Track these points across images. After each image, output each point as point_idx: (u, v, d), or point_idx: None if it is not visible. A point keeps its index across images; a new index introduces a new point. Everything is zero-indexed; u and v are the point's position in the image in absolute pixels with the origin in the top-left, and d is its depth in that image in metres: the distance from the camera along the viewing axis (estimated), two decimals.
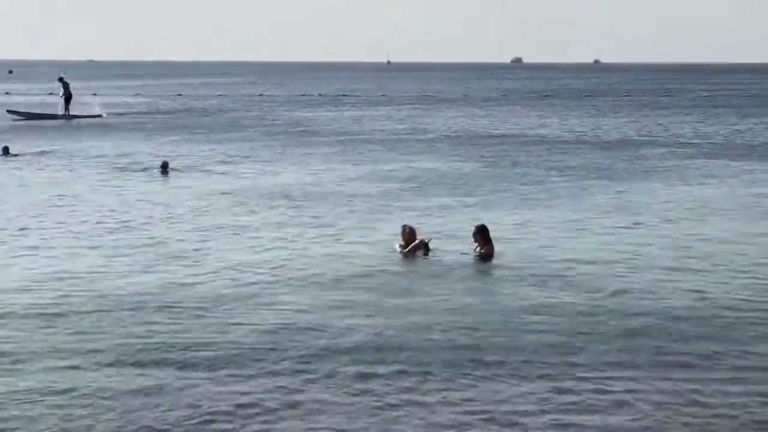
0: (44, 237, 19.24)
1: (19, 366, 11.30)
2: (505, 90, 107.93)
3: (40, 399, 10.22)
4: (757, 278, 15.91)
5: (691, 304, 14.22)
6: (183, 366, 11.22)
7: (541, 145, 40.30)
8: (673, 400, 10.29)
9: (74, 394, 10.36)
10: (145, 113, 62.23)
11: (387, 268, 16.42)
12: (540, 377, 10.93)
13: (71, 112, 56.15)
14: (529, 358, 11.57)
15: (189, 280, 15.48)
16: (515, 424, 9.66)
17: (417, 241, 17.37)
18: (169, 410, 9.91)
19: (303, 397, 10.30)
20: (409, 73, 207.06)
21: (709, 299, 14.50)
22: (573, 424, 9.65)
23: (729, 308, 14.00)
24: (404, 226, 17.82)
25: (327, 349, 11.84)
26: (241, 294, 14.62)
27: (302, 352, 11.72)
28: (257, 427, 9.57)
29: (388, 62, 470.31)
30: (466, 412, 9.91)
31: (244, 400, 10.17)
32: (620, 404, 10.15)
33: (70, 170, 30.95)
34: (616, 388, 10.59)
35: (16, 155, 34.36)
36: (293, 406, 10.03)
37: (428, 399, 10.25)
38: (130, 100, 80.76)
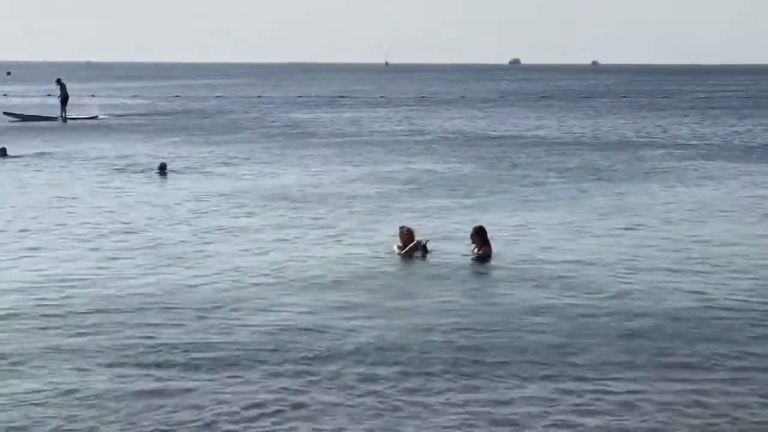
0: (44, 239, 19.21)
1: (20, 368, 11.29)
2: (503, 91, 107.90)
3: (42, 401, 10.20)
4: (758, 279, 15.91)
5: (692, 305, 14.21)
6: (185, 368, 11.21)
7: (539, 146, 40.29)
8: (675, 401, 10.29)
9: (76, 396, 10.35)
10: (144, 115, 62.22)
11: (385, 270, 16.42)
12: (541, 378, 10.94)
13: (68, 114, 56.05)
14: (530, 360, 11.57)
15: (190, 282, 15.46)
16: (518, 425, 9.67)
17: (414, 242, 17.36)
18: (172, 412, 9.90)
19: (306, 398, 10.29)
20: (407, 74, 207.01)
21: (709, 300, 14.49)
22: (575, 425, 9.66)
23: (729, 309, 14.01)
24: (402, 228, 17.82)
25: (328, 351, 11.84)
26: (241, 296, 14.60)
27: (304, 354, 11.72)
28: (261, 429, 9.56)
29: (386, 63, 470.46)
30: (469, 414, 9.92)
31: (247, 402, 10.16)
32: (622, 405, 10.15)
33: (69, 172, 30.92)
34: (617, 390, 10.59)
35: (14, 157, 34.32)
36: (296, 407, 10.03)
37: (431, 400, 10.25)
38: (129, 101, 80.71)
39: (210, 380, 10.83)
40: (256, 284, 15.40)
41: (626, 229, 20.48)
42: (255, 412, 9.91)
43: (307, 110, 68.26)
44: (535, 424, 9.67)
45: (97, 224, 20.87)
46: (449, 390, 10.56)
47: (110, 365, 11.34)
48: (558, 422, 9.71)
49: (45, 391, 10.50)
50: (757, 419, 9.90)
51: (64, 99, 56.57)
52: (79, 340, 12.34)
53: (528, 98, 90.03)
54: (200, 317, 13.39)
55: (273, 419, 9.75)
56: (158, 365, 11.32)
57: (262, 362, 11.43)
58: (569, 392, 10.50)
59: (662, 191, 26.50)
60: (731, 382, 10.92)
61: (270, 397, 10.31)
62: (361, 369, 11.18)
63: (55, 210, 23.02)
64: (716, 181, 28.62)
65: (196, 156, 35.74)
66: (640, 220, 21.57)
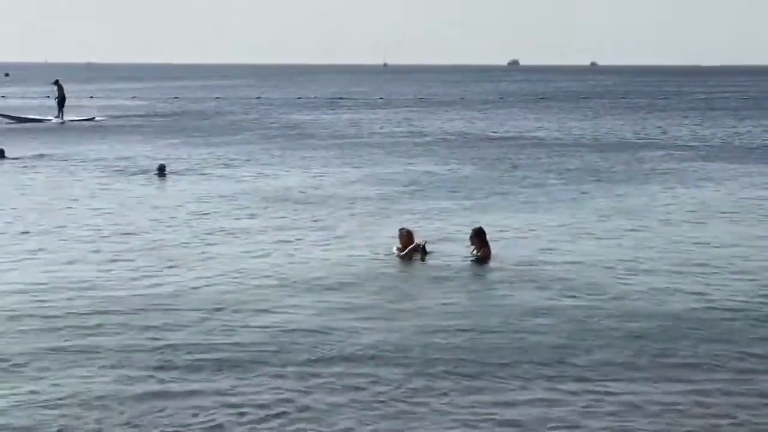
0: (44, 241, 19.17)
1: (23, 370, 11.27)
2: (502, 92, 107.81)
3: (43, 404, 10.18)
4: (759, 280, 15.90)
5: (693, 306, 14.19)
6: (189, 370, 11.20)
7: (539, 147, 40.27)
8: (677, 402, 10.29)
9: (79, 398, 10.34)
10: (142, 116, 62.17)
11: (385, 272, 16.40)
12: (543, 380, 10.93)
13: (65, 116, 55.91)
14: (532, 361, 11.56)
15: (192, 284, 15.44)
16: (521, 426, 9.67)
17: (414, 244, 17.34)
18: (176, 414, 9.89)
19: (310, 400, 10.28)
20: (406, 76, 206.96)
21: (710, 301, 14.48)
22: (578, 427, 9.67)
23: (731, 310, 14.00)
24: (401, 229, 17.81)
25: (331, 353, 11.84)
26: (243, 298, 14.58)
27: (307, 356, 11.71)
28: (265, 431, 9.56)
29: (385, 64, 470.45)
30: (472, 414, 9.93)
31: (251, 403, 10.15)
32: (624, 407, 10.14)
33: (68, 174, 30.87)
34: (619, 391, 10.58)
35: (12, 159, 34.27)
36: (301, 409, 10.02)
37: (434, 402, 10.25)
38: (127, 102, 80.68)
39: (213, 382, 10.81)
40: (258, 286, 15.38)
41: (626, 230, 20.43)
42: (259, 413, 9.90)
43: (307, 111, 68.20)
44: (538, 426, 9.66)
45: (98, 226, 20.83)
46: (452, 391, 10.55)
47: (113, 367, 11.32)
48: (561, 424, 9.71)
49: (48, 393, 10.48)
50: (759, 420, 9.89)
51: (61, 100, 56.41)
52: (82, 342, 12.31)
53: (527, 99, 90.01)
54: (202, 319, 13.37)
55: (278, 421, 9.73)
56: (161, 367, 11.30)
57: (265, 364, 11.41)
58: (571, 393, 10.49)
59: (662, 192, 26.47)
60: (733, 383, 10.91)
61: (274, 398, 10.29)
62: (364, 370, 11.18)
63: (55, 212, 22.98)
64: (716, 183, 28.61)
65: (195, 157, 35.70)
66: (641, 221, 21.55)
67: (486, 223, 19.08)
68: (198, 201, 24.69)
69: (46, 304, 14.14)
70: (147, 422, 9.70)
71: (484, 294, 15.16)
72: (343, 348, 12.02)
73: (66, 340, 12.40)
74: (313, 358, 11.64)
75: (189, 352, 11.82)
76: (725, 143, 42.45)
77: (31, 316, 13.56)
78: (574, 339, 12.45)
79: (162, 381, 10.85)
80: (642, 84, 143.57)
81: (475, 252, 17.24)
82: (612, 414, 9.93)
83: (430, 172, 31.16)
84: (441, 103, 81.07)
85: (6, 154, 34.51)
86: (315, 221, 21.44)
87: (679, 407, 10.13)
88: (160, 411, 9.96)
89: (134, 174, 30.59)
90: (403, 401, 10.25)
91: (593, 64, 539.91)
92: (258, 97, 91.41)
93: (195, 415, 9.85)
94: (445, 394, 10.46)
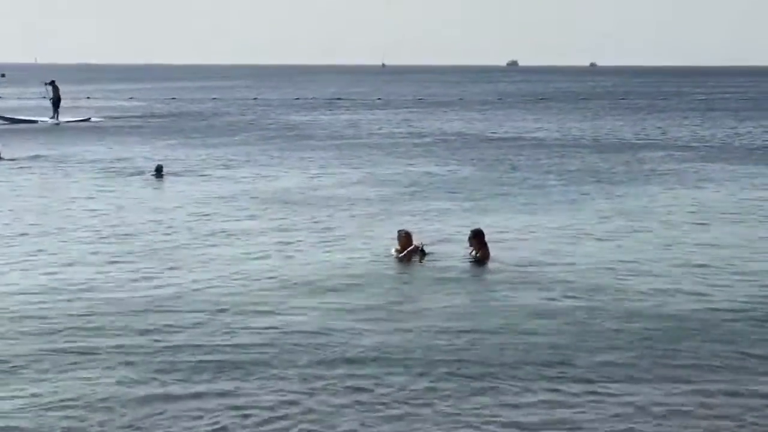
0: (41, 243, 19.06)
1: (22, 373, 11.19)
2: (501, 93, 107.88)
3: (43, 408, 10.11)
4: (760, 281, 15.85)
5: (695, 308, 14.13)
6: (189, 373, 11.13)
7: (538, 148, 40.20)
8: (679, 404, 10.26)
9: (80, 401, 10.27)
10: (140, 117, 62.08)
11: (384, 273, 16.34)
12: (545, 381, 10.90)
13: (60, 117, 55.65)
14: (534, 363, 11.52)
15: (192, 286, 15.34)
16: (523, 429, 9.65)
17: (412, 246, 17.28)
18: (177, 417, 9.84)
19: (312, 402, 10.24)
20: (404, 76, 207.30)
21: (712, 303, 14.42)
22: (580, 429, 9.65)
23: (732, 311, 13.95)
24: (400, 231, 17.75)
25: (332, 355, 11.79)
26: (242, 300, 14.50)
27: (308, 358, 11.66)
28: None
29: (383, 65, 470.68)
30: (474, 416, 9.90)
31: (253, 406, 10.11)
32: (626, 409, 10.11)
33: (65, 175, 30.76)
34: (621, 393, 10.55)
35: (8, 160, 34.13)
36: (302, 412, 9.97)
37: (437, 404, 10.22)
38: (125, 103, 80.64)
39: (216, 384, 10.76)
40: (258, 288, 15.30)
41: (627, 231, 20.37)
42: (262, 416, 9.86)
43: (305, 112, 68.20)
44: (541, 428, 9.65)
45: (95, 227, 20.72)
46: (455, 393, 10.51)
47: (115, 370, 11.25)
48: (564, 426, 9.69)
49: (49, 395, 10.42)
50: (763, 422, 9.87)
51: (56, 101, 56.09)
52: (83, 344, 12.23)
53: (526, 100, 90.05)
54: (204, 321, 13.30)
55: (281, 423, 9.71)
56: (163, 370, 11.24)
57: (268, 366, 11.36)
58: (574, 395, 10.46)
59: (662, 193, 26.41)
60: (736, 384, 10.89)
61: (277, 401, 10.25)
62: (366, 372, 11.14)
63: (53, 214, 22.86)
64: (716, 183, 28.56)
65: (193, 158, 35.62)
66: (641, 222, 21.47)
67: (485, 224, 19.03)
68: (196, 202, 24.61)
69: (46, 306, 14.04)
70: (149, 425, 9.67)
71: (485, 295, 15.09)
72: (345, 350, 11.98)
73: (66, 343, 12.32)
74: (315, 360, 11.60)
75: (191, 354, 11.77)
76: (725, 144, 42.40)
77: (30, 318, 13.47)
78: (575, 341, 12.41)
79: (164, 383, 10.79)
80: (641, 85, 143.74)
81: (473, 253, 17.19)
82: (616, 416, 9.90)
83: (430, 173, 31.10)
84: (440, 104, 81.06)
85: (2, 156, 34.35)
86: (314, 223, 21.36)
87: (682, 409, 10.11)
88: (162, 414, 9.92)
89: (132, 175, 30.51)
90: (407, 403, 10.22)
91: (592, 64, 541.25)
92: (255, 98, 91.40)
93: (198, 418, 9.81)
94: (449, 396, 10.41)
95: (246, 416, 9.84)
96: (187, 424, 9.69)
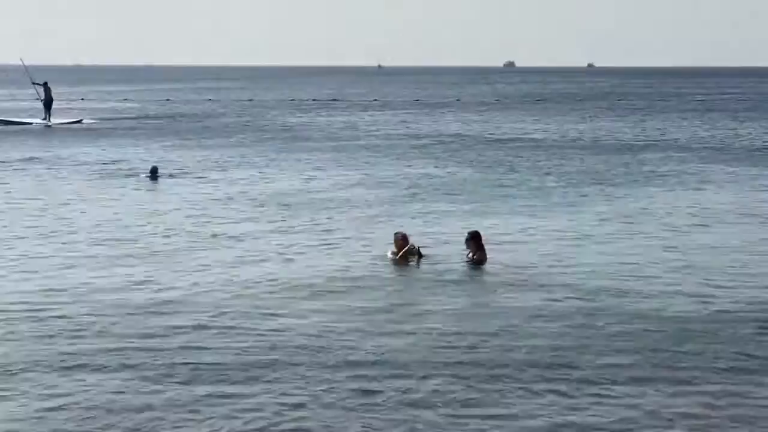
0: (36, 246, 18.84)
1: (19, 379, 11.04)
2: (498, 94, 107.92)
3: (42, 413, 9.99)
4: (761, 282, 15.77)
5: (696, 310, 14.04)
6: (188, 377, 11.03)
7: (537, 150, 40.10)
8: (682, 406, 10.22)
9: (78, 407, 10.15)
10: (134, 118, 61.87)
11: (381, 276, 16.27)
12: (547, 383, 10.87)
13: (51, 118, 55.22)
14: (536, 365, 11.46)
15: (189, 290, 15.21)
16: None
17: (408, 247, 17.22)
18: (178, 422, 9.76)
19: (313, 406, 10.17)
20: (401, 77, 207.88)
21: (713, 305, 14.33)
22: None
23: (734, 313, 13.87)
24: (397, 233, 17.69)
25: (332, 359, 11.71)
26: (242, 304, 14.37)
27: (309, 362, 11.57)
28: None
29: (379, 66, 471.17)
30: (478, 419, 9.86)
31: (251, 411, 10.02)
32: (629, 411, 10.07)
33: (59, 177, 30.52)
34: (624, 395, 10.51)
35: (0, 162, 33.86)
36: (303, 417, 9.90)
37: (440, 407, 10.17)
38: (119, 105, 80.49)
39: (215, 389, 10.67)
40: (258, 291, 15.19)
41: (627, 233, 20.24)
42: (260, 423, 9.75)
43: (300, 113, 68.17)
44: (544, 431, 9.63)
45: (92, 231, 20.52)
46: (459, 397, 10.47)
47: (113, 375, 11.15)
48: (568, 429, 9.66)
49: (47, 401, 10.34)
50: (765, 424, 9.82)
51: (48, 102, 55.63)
52: (81, 349, 12.10)
53: (524, 101, 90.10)
54: (203, 325, 13.19)
55: (282, 427, 9.65)
56: (163, 374, 11.15)
57: (269, 370, 11.27)
58: (577, 398, 10.44)
59: (662, 195, 26.30)
60: (739, 386, 10.84)
61: (278, 405, 10.17)
62: (367, 375, 11.09)
63: (48, 216, 22.63)
64: (717, 185, 28.46)
65: (189, 160, 35.46)
66: (641, 224, 21.35)
67: (485, 226, 19.00)
68: (193, 204, 24.45)
69: (42, 313, 13.84)
70: (150, 429, 9.62)
71: (485, 298, 15.01)
72: (347, 353, 11.92)
73: (65, 347, 12.21)
74: (317, 363, 11.53)
75: (189, 359, 11.66)
76: (725, 145, 42.31)
77: (26, 322, 13.33)
78: (578, 343, 12.34)
79: (164, 388, 10.69)
80: (640, 86, 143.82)
81: (470, 255, 17.14)
82: (621, 419, 9.87)
83: (428, 175, 30.97)
84: (437, 105, 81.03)
85: None
86: (311, 225, 21.22)
87: (687, 411, 10.07)
88: (163, 419, 9.84)
89: (126, 176, 30.34)
90: (410, 406, 10.17)
91: (590, 65, 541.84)
92: (250, 99, 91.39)
93: (198, 422, 9.74)
94: (453, 400, 10.36)
95: (247, 422, 9.75)
96: (188, 429, 9.62)
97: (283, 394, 10.49)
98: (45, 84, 56.15)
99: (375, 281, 15.86)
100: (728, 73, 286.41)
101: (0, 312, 13.87)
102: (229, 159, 35.92)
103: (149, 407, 10.12)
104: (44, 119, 55.21)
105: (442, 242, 18.81)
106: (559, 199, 25.61)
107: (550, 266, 16.84)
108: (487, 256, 17.09)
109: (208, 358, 11.71)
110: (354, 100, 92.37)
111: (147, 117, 63.78)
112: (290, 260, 17.50)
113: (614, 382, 10.86)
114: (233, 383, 10.84)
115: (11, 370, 11.31)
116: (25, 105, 74.33)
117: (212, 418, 9.85)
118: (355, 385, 10.74)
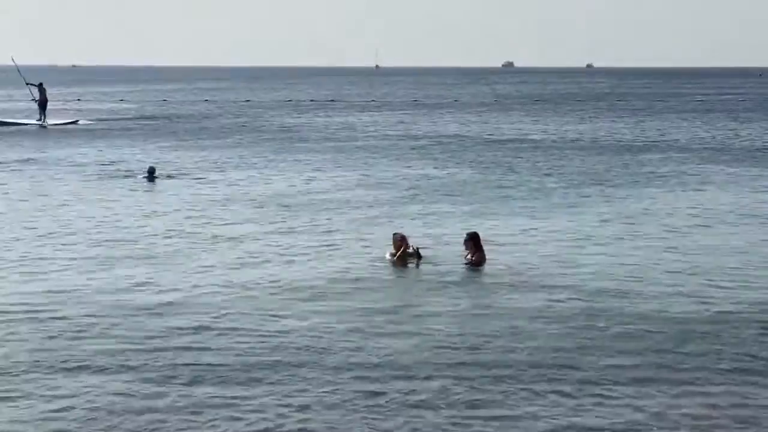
0: (34, 248, 18.78)
1: (19, 381, 11.00)
2: (497, 95, 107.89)
3: (43, 417, 9.95)
4: (763, 284, 15.74)
5: (697, 311, 14.02)
6: (189, 379, 11.00)
7: (536, 150, 40.09)
8: (684, 407, 10.22)
9: (78, 410, 10.11)
10: (131, 119, 61.74)
11: (379, 277, 16.25)
12: (548, 383, 10.87)
13: (47, 119, 54.98)
14: (537, 366, 11.46)
15: (188, 292, 15.16)
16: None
17: (404, 249, 17.18)
18: (178, 424, 9.74)
19: (315, 408, 10.14)
20: (399, 78, 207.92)
21: (714, 306, 14.31)
22: None
23: (736, 314, 13.86)
24: (395, 234, 17.67)
25: (333, 361, 11.70)
26: (243, 305, 14.34)
27: (309, 364, 11.55)
28: None
29: (377, 66, 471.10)
30: (480, 420, 9.86)
31: (252, 413, 10.00)
32: (630, 413, 10.06)
33: (55, 178, 30.42)
34: (625, 396, 10.52)
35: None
36: (305, 419, 9.86)
37: (443, 411, 10.15)
38: (115, 105, 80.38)
39: (216, 390, 10.66)
40: (258, 293, 15.16)
41: (627, 234, 20.19)
42: (262, 425, 9.73)
43: (298, 114, 68.03)
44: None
45: (90, 232, 20.46)
46: (462, 398, 10.46)
47: (113, 377, 11.11)
48: (570, 430, 9.66)
49: (48, 403, 10.31)
50: (765, 425, 9.83)
51: (43, 103, 55.38)
52: (79, 353, 12.03)
53: (523, 102, 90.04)
54: (204, 327, 13.16)
55: (283, 429, 9.62)
56: (163, 376, 11.11)
57: (270, 372, 11.25)
58: (578, 399, 10.44)
59: (662, 195, 26.27)
60: (741, 387, 10.84)
61: (278, 407, 10.14)
62: (369, 377, 11.09)
63: (45, 218, 22.55)
64: (717, 186, 28.44)
65: (186, 161, 35.40)
66: (641, 225, 21.31)
67: (484, 227, 19.03)
68: (191, 205, 24.39)
69: (41, 315, 13.79)
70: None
71: (486, 299, 14.94)
72: (349, 355, 11.91)
73: (65, 349, 12.17)
74: (319, 365, 11.51)
75: (190, 361, 11.63)
76: (725, 146, 42.28)
77: (26, 324, 13.29)
78: (579, 344, 12.34)
79: (165, 390, 10.67)
80: (639, 86, 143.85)
81: (469, 256, 17.11)
82: (624, 421, 9.87)
83: (427, 176, 30.92)
84: (435, 106, 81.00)
85: None
86: (311, 226, 21.17)
87: (689, 412, 10.08)
88: (164, 422, 9.81)
89: (124, 177, 30.28)
90: (413, 407, 10.17)
91: (589, 65, 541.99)
92: (248, 100, 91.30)
93: (200, 424, 9.74)
94: (456, 402, 10.35)
95: (250, 423, 9.75)
96: (191, 430, 9.61)
97: (286, 395, 10.46)
98: (40, 85, 55.81)
99: (376, 282, 15.84)
100: (728, 73, 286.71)
101: (0, 314, 13.83)
102: (227, 160, 35.86)
103: (151, 409, 10.09)
104: (39, 120, 55.00)
105: (442, 243, 18.78)
106: (558, 200, 25.57)
107: (551, 267, 16.82)
108: (487, 257, 17.06)
109: (209, 359, 11.68)
110: (352, 100, 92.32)
111: (144, 118, 63.66)
112: (290, 261, 17.46)
113: (617, 384, 10.83)
114: (235, 385, 10.81)
115: (12, 372, 11.27)
116: (21, 106, 74.22)
117: (214, 420, 9.82)
118: (357, 387, 10.72)
